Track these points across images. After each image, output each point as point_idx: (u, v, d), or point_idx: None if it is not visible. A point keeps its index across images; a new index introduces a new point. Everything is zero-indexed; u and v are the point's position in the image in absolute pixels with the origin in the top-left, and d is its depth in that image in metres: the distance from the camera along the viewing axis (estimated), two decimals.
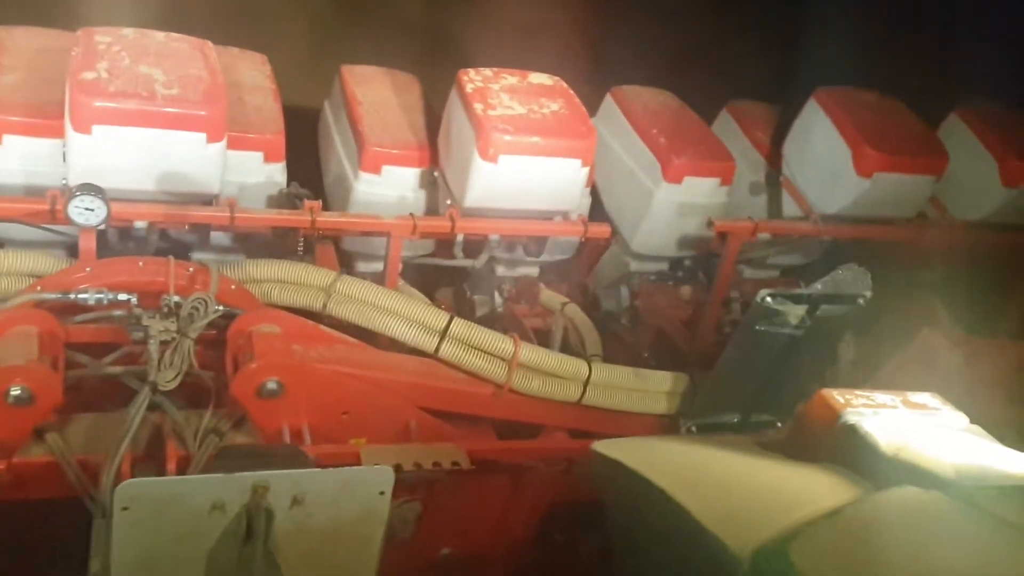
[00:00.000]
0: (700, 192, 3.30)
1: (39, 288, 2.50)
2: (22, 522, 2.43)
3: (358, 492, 1.92)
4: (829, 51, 3.90)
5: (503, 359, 2.76)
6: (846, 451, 1.94)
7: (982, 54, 3.94)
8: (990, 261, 3.34)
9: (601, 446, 2.11)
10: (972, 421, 2.05)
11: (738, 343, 2.62)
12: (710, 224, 3.21)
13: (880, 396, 2.04)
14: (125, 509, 1.77)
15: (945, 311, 3.12)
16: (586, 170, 3.02)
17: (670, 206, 3.30)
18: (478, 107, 2.96)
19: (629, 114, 3.48)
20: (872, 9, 4.56)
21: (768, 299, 2.49)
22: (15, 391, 2.24)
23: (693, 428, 2.75)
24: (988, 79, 3.69)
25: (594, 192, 3.39)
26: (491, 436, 2.81)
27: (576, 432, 2.87)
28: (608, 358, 3.14)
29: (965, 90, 3.61)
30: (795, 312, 2.54)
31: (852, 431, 1.94)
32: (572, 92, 3.15)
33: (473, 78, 3.07)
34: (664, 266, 3.57)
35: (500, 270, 3.38)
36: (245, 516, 1.82)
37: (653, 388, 2.92)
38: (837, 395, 2.02)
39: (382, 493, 1.94)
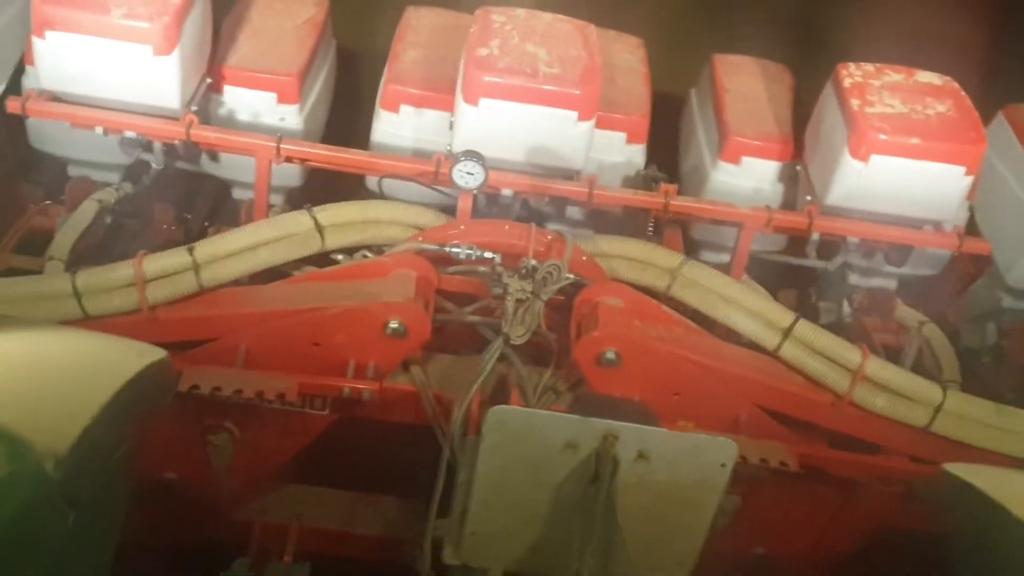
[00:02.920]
0: None
1: (420, 239, 2.77)
2: (380, 441, 2.76)
3: (700, 459, 1.96)
4: None
5: (847, 369, 2.62)
6: None
7: None
8: None
9: (954, 468, 1.94)
10: None
11: None
12: None
13: None
14: (493, 431, 1.96)
15: None
16: (970, 179, 2.76)
17: None
18: (854, 103, 2.82)
19: (1023, 135, 3.13)
20: None
21: None
22: (393, 324, 2.53)
23: None
24: None
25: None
26: (824, 445, 2.68)
27: (918, 460, 2.65)
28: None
29: None
30: None
31: None
32: (964, 94, 2.88)
33: (853, 72, 2.93)
34: None
35: (853, 277, 3.19)
36: (594, 459, 1.93)
37: (1017, 428, 2.61)
38: None
39: (723, 465, 1.96)
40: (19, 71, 3.17)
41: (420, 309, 2.55)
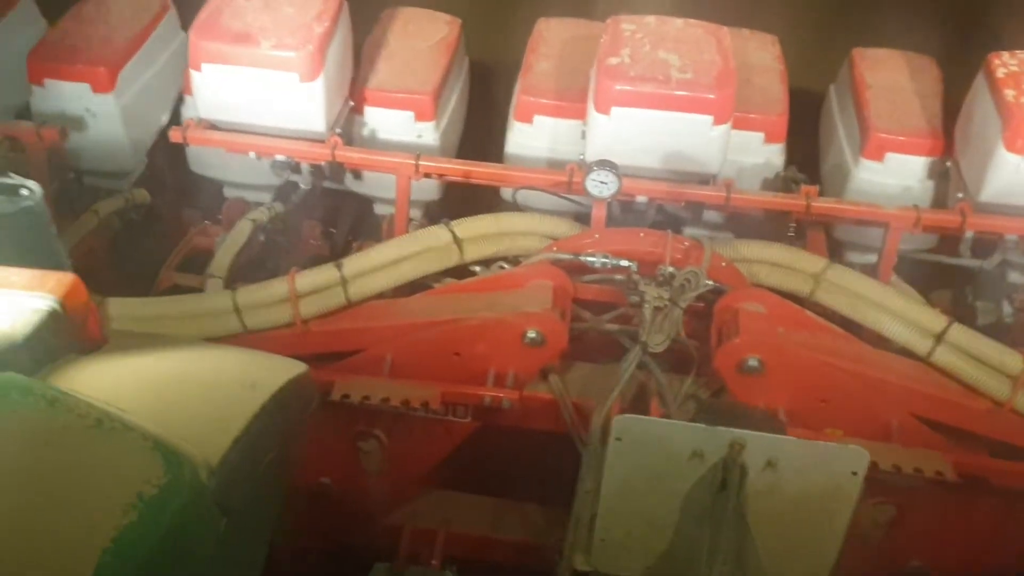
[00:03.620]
0: None
1: (555, 249, 2.80)
2: (521, 448, 2.80)
3: (830, 468, 1.92)
4: None
5: (1008, 375, 2.48)
6: None
7: None
8: None
9: None
10: None
11: None
12: None
13: None
14: (619, 439, 1.97)
15: None
16: None
17: None
18: (1009, 94, 2.68)
19: None
20: None
21: None
22: (531, 334, 2.57)
23: None
24: None
25: None
26: (983, 454, 2.54)
27: None
28: None
29: None
30: None
31: None
32: None
33: (1007, 62, 2.78)
34: None
35: (1013, 276, 3.02)
36: (721, 468, 1.92)
37: None
38: None
39: (854, 473, 1.91)
40: (178, 102, 3.42)
41: (557, 319, 2.58)
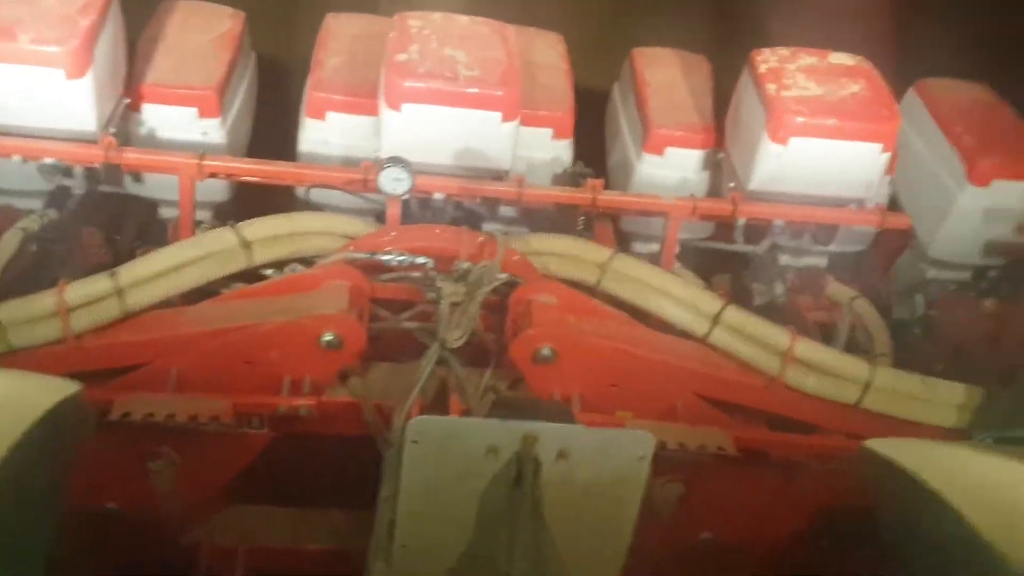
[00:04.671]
0: (1010, 196, 2.99)
1: (351, 248, 2.75)
2: (323, 454, 2.75)
3: (618, 453, 1.97)
4: None
5: (778, 352, 2.67)
6: None
7: None
8: None
9: (874, 443, 1.99)
10: None
11: None
12: (1022, 230, 2.89)
13: None
14: (415, 442, 1.95)
15: None
16: (887, 156, 2.83)
17: (974, 211, 3.03)
18: (771, 87, 2.87)
19: (934, 109, 3.21)
20: None
21: None
22: (327, 336, 2.51)
23: (989, 440, 2.50)
24: None
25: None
26: (762, 427, 2.72)
27: (853, 436, 2.70)
28: (897, 368, 2.92)
29: None
30: None
31: None
32: (877, 73, 2.95)
33: (768, 58, 2.98)
34: (965, 275, 3.26)
35: (783, 259, 3.25)
36: (516, 462, 1.93)
37: (943, 399, 2.68)
38: None
39: (642, 458, 1.97)
40: None
41: (353, 320, 2.54)
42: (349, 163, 3.03)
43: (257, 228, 2.72)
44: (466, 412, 2.52)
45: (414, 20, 3.05)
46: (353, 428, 2.57)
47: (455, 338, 2.57)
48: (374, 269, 2.72)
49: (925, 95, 3.28)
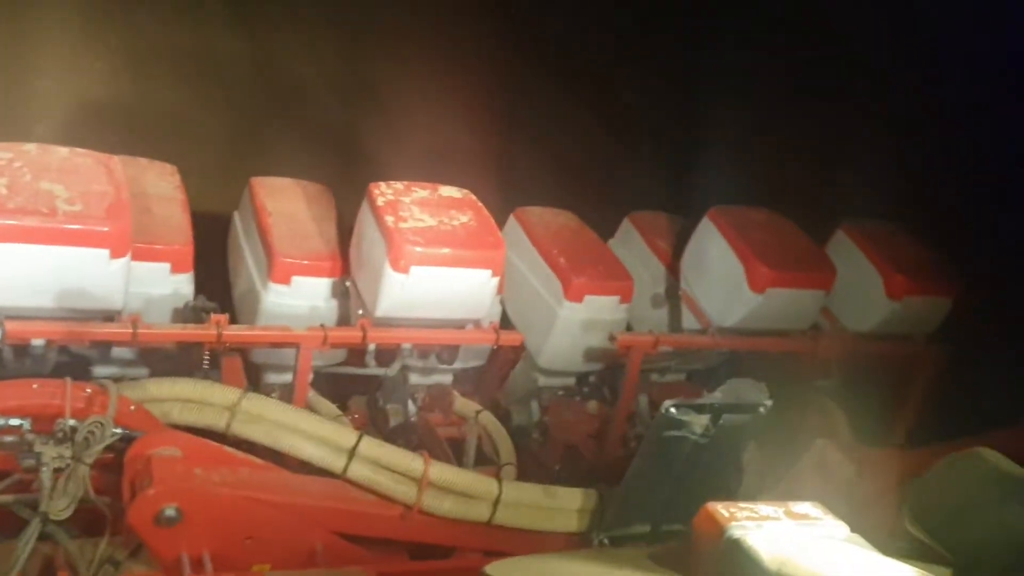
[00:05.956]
0: (601, 309, 3.39)
1: None
2: None
3: None
4: (723, 167, 4.08)
5: (413, 478, 2.71)
6: (733, 566, 1.94)
7: (863, 173, 4.17)
8: (881, 370, 3.46)
9: (493, 568, 2.08)
10: (859, 530, 2.08)
11: (645, 453, 2.64)
12: (612, 339, 3.29)
13: (764, 508, 2.04)
14: None
15: (843, 419, 3.20)
16: (496, 279, 3.07)
17: (573, 323, 3.38)
18: (389, 219, 2.99)
19: (531, 235, 3.57)
20: (760, 127, 4.80)
21: (672, 409, 2.53)
22: None
23: (605, 540, 2.74)
24: (869, 197, 3.89)
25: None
26: (403, 557, 2.74)
27: (491, 554, 2.81)
28: (520, 473, 3.13)
29: (849, 208, 3.79)
30: (699, 421, 2.59)
31: (737, 546, 1.94)
32: (481, 204, 3.21)
33: (384, 191, 3.11)
34: (571, 381, 3.62)
35: (414, 378, 3.36)
36: None
37: (564, 506, 2.86)
38: (722, 508, 2.00)
39: None
40: None
41: None
42: None
43: None
44: None
45: (4, 152, 2.77)
46: None
47: (60, 509, 2.33)
48: None
49: (523, 221, 3.62)
